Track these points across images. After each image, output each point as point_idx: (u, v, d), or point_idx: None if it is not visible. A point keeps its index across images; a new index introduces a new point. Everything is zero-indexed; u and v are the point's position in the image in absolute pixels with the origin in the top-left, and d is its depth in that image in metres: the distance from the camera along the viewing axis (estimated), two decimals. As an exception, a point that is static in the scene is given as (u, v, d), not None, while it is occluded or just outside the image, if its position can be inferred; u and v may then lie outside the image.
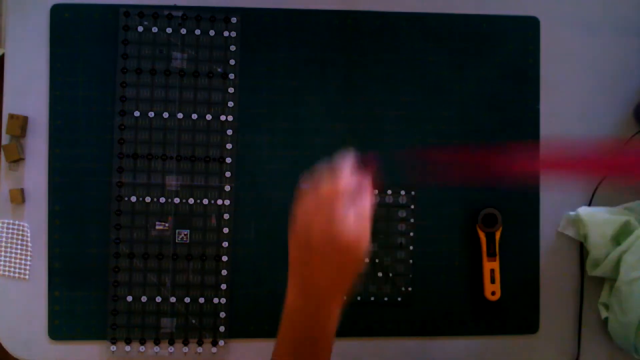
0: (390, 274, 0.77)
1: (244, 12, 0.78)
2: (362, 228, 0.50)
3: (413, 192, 0.78)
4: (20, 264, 0.76)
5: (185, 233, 0.76)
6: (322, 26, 0.78)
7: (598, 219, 0.76)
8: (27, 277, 0.76)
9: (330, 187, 0.51)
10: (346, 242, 0.49)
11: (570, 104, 0.80)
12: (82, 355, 0.76)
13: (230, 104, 0.77)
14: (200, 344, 0.76)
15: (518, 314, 0.78)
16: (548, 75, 0.80)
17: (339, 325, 0.77)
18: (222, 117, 0.77)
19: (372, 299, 0.77)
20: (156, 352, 0.76)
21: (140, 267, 0.76)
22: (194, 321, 0.76)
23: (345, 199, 0.50)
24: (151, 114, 0.76)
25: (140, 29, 0.76)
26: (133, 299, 0.76)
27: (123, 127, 0.76)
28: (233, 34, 0.77)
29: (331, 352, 0.53)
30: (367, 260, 0.51)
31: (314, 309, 0.51)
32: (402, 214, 0.78)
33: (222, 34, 0.77)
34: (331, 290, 0.51)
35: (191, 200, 0.76)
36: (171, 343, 0.76)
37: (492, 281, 0.77)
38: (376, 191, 0.78)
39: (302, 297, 0.51)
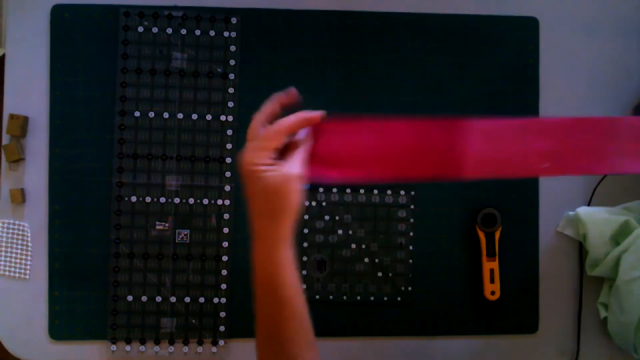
0: (390, 274, 0.78)
1: (244, 12, 0.78)
2: (287, 171, 0.51)
3: (413, 192, 0.78)
4: (20, 264, 0.76)
5: (185, 233, 0.76)
6: (322, 26, 0.78)
7: (597, 219, 0.76)
8: (27, 277, 0.76)
9: (255, 134, 0.53)
10: (270, 184, 0.51)
11: (570, 104, 0.80)
12: (82, 355, 0.76)
13: (230, 104, 0.77)
14: (200, 343, 0.76)
15: (518, 313, 0.79)
16: (548, 75, 0.80)
17: (339, 325, 0.77)
18: (222, 117, 0.77)
19: (372, 299, 0.77)
20: (156, 352, 0.76)
21: (140, 267, 0.76)
22: (194, 321, 0.76)
23: (267, 143, 0.52)
24: (151, 114, 0.76)
25: (140, 29, 0.76)
26: (133, 299, 0.76)
27: (123, 127, 0.76)
28: (233, 34, 0.77)
29: (299, 311, 0.53)
30: (303, 203, 0.52)
31: (263, 253, 0.52)
32: (402, 214, 0.78)
33: (222, 34, 0.77)
34: (267, 232, 0.52)
35: (191, 200, 0.76)
36: (171, 343, 0.76)
37: (492, 281, 0.77)
38: (376, 191, 0.78)
39: (254, 241, 0.53)
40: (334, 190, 0.77)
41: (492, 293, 0.77)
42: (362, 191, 0.78)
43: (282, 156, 0.53)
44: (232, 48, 0.77)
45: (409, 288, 0.78)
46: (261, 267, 0.53)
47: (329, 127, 0.55)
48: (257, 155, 0.51)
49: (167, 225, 0.76)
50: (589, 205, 0.79)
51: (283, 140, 0.52)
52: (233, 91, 0.77)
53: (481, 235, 0.77)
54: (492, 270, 0.77)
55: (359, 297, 0.77)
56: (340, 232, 0.77)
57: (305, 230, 0.77)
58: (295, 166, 0.52)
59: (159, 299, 0.76)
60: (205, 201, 0.77)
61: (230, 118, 0.77)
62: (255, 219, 0.53)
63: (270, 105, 0.55)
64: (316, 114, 0.54)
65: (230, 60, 0.77)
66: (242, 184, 0.53)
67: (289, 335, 0.52)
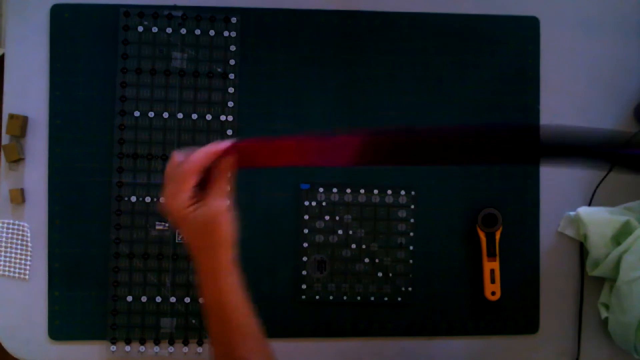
0: (390, 274, 0.77)
1: (244, 12, 0.78)
2: (212, 204, 0.52)
3: (413, 192, 0.78)
4: (20, 264, 0.76)
5: (185, 233, 0.76)
6: (322, 26, 0.78)
7: (598, 219, 0.76)
8: (27, 277, 0.76)
9: (174, 169, 0.53)
10: (198, 222, 0.52)
11: (570, 104, 0.80)
12: (82, 355, 0.76)
13: (230, 104, 0.77)
14: (200, 344, 0.76)
15: (518, 314, 0.78)
16: (548, 75, 0.80)
17: (339, 325, 0.77)
18: (222, 117, 0.77)
19: (372, 299, 0.77)
20: (156, 352, 0.76)
21: (140, 267, 0.76)
22: (194, 321, 0.76)
23: (186, 177, 0.52)
24: (151, 114, 0.76)
25: (140, 29, 0.76)
26: (133, 299, 0.76)
27: (123, 127, 0.76)
28: (233, 34, 0.77)
29: (251, 332, 0.55)
30: (235, 230, 0.55)
31: (208, 284, 0.54)
32: (402, 214, 0.78)
33: (222, 34, 0.77)
34: (208, 264, 0.54)
35: (191, 200, 0.76)
36: (171, 343, 0.76)
37: (492, 281, 0.77)
38: (376, 191, 0.78)
39: (199, 274, 0.55)
40: (334, 190, 0.77)
41: (493, 293, 0.77)
42: (362, 191, 0.77)
43: (204, 189, 0.53)
44: (232, 48, 0.77)
45: (409, 288, 0.78)
46: (208, 297, 0.54)
47: (243, 147, 0.55)
48: (177, 198, 0.52)
49: (167, 225, 0.76)
50: (589, 205, 0.79)
51: (197, 177, 0.52)
52: (233, 91, 0.77)
53: (482, 235, 0.77)
54: (492, 271, 0.77)
55: (359, 297, 0.77)
56: (340, 232, 0.77)
57: (305, 230, 0.77)
58: (218, 197, 0.53)
59: (158, 299, 0.76)
60: (205, 201, 0.76)
61: (230, 118, 0.77)
62: (195, 255, 0.54)
63: (200, 152, 0.54)
64: (224, 145, 0.54)
65: (230, 60, 0.77)
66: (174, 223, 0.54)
67: (244, 355, 0.53)
